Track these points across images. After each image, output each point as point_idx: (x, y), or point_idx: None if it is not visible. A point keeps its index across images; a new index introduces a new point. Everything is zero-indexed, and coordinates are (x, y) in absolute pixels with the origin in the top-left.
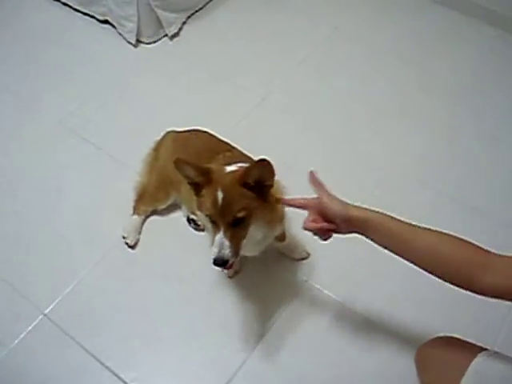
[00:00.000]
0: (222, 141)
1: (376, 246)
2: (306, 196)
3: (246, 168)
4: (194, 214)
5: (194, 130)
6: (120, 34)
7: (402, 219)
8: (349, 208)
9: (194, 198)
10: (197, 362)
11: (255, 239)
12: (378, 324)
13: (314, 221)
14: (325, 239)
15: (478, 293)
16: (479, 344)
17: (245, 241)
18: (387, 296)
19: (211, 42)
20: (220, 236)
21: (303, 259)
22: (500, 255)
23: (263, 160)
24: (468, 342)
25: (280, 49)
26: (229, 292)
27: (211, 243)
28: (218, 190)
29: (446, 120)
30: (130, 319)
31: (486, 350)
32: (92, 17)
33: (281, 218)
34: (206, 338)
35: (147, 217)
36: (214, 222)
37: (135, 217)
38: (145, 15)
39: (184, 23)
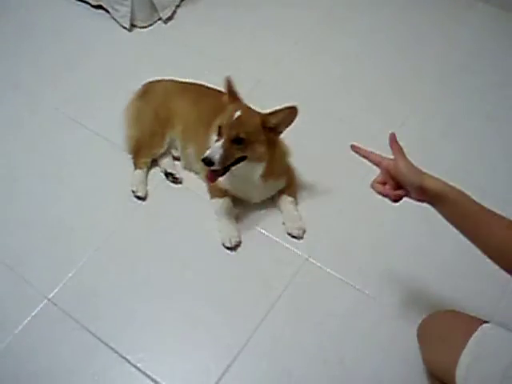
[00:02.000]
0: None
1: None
2: (381, 154)
3: (276, 110)
4: (185, 148)
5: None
6: (114, 18)
7: (479, 202)
8: (424, 178)
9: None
10: (201, 342)
11: (255, 179)
12: (379, 300)
13: (383, 182)
14: (394, 201)
15: None
16: (480, 317)
17: (234, 169)
18: (388, 272)
19: (206, 24)
20: (219, 143)
21: (294, 237)
22: None
23: (294, 108)
24: (469, 316)
25: (275, 31)
26: (230, 271)
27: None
28: (239, 110)
29: (440, 98)
30: (134, 301)
31: (486, 322)
32: (85, 2)
33: (282, 169)
34: (209, 318)
35: (149, 168)
36: (219, 133)
37: (138, 171)
38: None
39: (178, 6)
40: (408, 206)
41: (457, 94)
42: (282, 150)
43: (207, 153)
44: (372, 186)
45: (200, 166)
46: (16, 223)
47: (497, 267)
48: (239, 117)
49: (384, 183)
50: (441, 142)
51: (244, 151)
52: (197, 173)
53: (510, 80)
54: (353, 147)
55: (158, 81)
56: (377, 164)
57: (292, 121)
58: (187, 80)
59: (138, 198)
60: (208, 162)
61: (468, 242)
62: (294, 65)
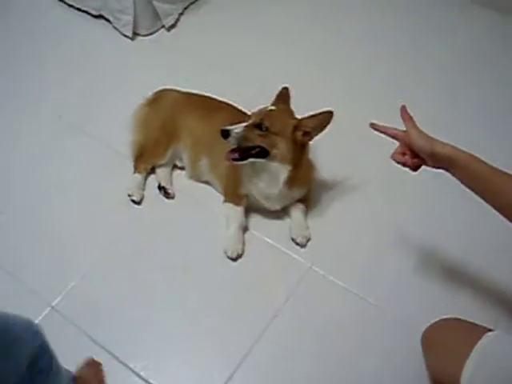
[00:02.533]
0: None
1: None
2: (397, 127)
3: (313, 114)
4: (196, 160)
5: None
6: (115, 28)
7: (490, 163)
8: (435, 144)
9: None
10: (204, 350)
11: (279, 184)
12: (383, 308)
13: (402, 153)
14: (414, 170)
15: None
16: (484, 325)
17: (259, 167)
18: (391, 280)
19: (209, 32)
20: (242, 124)
21: (297, 244)
22: None
23: (331, 112)
24: (473, 323)
25: (279, 38)
26: (232, 279)
27: None
28: (275, 106)
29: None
30: (137, 309)
31: (490, 330)
32: (85, 12)
33: (307, 180)
34: (212, 326)
35: (148, 174)
36: (249, 118)
37: (137, 175)
38: (141, 7)
39: (181, 14)
40: (412, 214)
41: (457, 97)
42: (309, 159)
43: (228, 127)
44: (392, 157)
45: (220, 169)
46: (19, 231)
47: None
48: (271, 109)
49: (403, 154)
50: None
51: (265, 141)
52: (208, 183)
53: (509, 83)
54: (371, 125)
55: (170, 90)
56: (394, 137)
57: (326, 126)
58: (196, 91)
59: (133, 201)
60: (225, 133)
61: (473, 253)
62: (297, 72)
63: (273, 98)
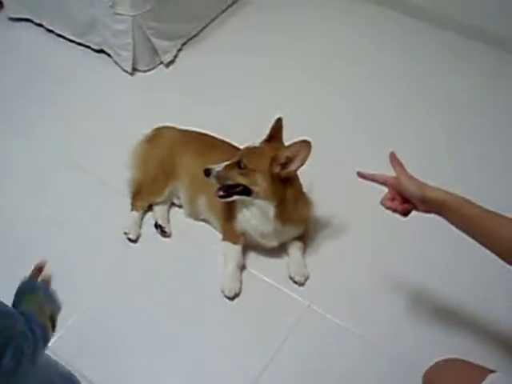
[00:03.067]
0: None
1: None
2: (386, 173)
3: (290, 144)
4: (193, 199)
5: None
6: (116, 62)
7: (481, 205)
8: (426, 189)
9: None
10: None
11: (269, 220)
12: (382, 348)
13: (392, 199)
14: (404, 215)
15: None
16: (485, 366)
17: (242, 201)
18: (391, 319)
19: (207, 68)
20: (224, 164)
21: (295, 283)
22: None
23: (307, 142)
24: (475, 365)
25: (276, 75)
26: (231, 318)
27: None
28: (259, 144)
29: (445, 137)
30: (134, 349)
31: (492, 371)
32: (87, 47)
33: (302, 216)
34: (211, 367)
35: (145, 212)
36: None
37: (134, 212)
38: (140, 44)
39: (179, 50)
40: (409, 253)
41: (462, 134)
42: (304, 195)
43: (210, 166)
44: (381, 203)
45: (217, 208)
46: (15, 272)
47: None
48: (253, 147)
49: (393, 199)
50: (446, 183)
51: (244, 179)
52: (206, 221)
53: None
54: (359, 174)
55: (168, 128)
56: (383, 183)
57: (306, 157)
58: (194, 128)
59: (130, 240)
60: (207, 172)
61: (471, 292)
62: (297, 108)
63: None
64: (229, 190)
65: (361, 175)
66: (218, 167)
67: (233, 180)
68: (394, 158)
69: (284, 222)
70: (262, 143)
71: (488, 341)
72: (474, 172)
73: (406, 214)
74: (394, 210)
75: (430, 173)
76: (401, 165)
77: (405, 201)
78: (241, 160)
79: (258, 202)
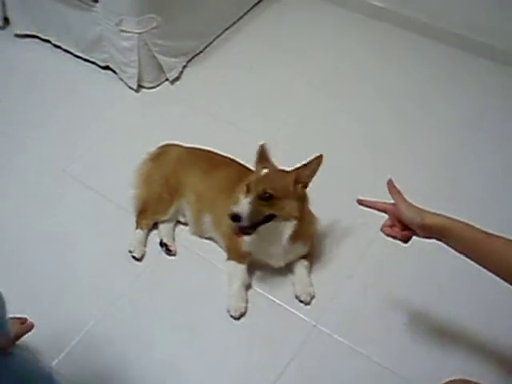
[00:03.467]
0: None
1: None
2: (385, 201)
3: (306, 162)
4: (199, 217)
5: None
6: (121, 79)
7: (481, 228)
8: (425, 215)
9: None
10: None
11: (283, 240)
12: (389, 368)
13: (391, 225)
14: (404, 242)
15: None
16: None
17: (263, 228)
18: (398, 339)
19: (212, 85)
20: (247, 200)
21: (301, 302)
22: None
23: (321, 156)
24: None
25: (280, 93)
26: (237, 338)
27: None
28: (266, 168)
29: (447, 155)
30: (140, 366)
31: None
32: (93, 63)
33: (310, 233)
34: None
35: (150, 229)
36: (247, 191)
37: (138, 230)
38: (146, 61)
39: (185, 67)
40: (418, 272)
41: (464, 151)
42: (310, 211)
43: (235, 208)
44: (382, 230)
45: (223, 226)
46: (21, 289)
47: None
48: (266, 174)
49: (392, 226)
50: (447, 199)
51: (273, 208)
52: (211, 239)
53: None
54: (358, 201)
55: (173, 145)
56: (383, 211)
57: (317, 171)
58: (199, 145)
59: (134, 258)
60: (235, 217)
61: (478, 310)
62: (301, 125)
63: (277, 151)
64: (253, 226)
65: (360, 203)
66: (244, 209)
67: (262, 215)
68: (391, 186)
69: (295, 240)
70: (266, 170)
71: (495, 361)
72: (479, 188)
73: (406, 240)
74: (394, 237)
75: (435, 187)
76: (399, 192)
77: (404, 227)
78: (265, 191)
79: (278, 224)
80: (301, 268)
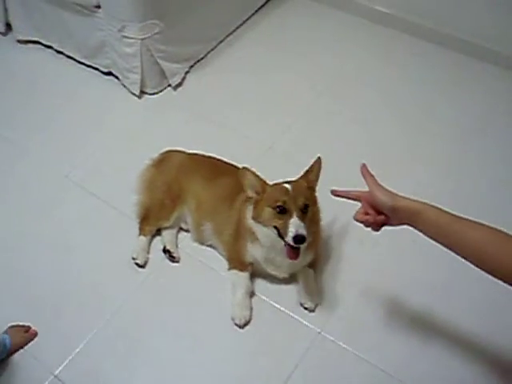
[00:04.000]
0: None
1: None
2: (359, 189)
3: (309, 167)
4: (199, 224)
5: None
6: (124, 85)
7: (451, 212)
8: (396, 199)
9: (248, 207)
10: None
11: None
12: (396, 376)
13: (365, 213)
14: (376, 230)
15: None
16: None
17: (270, 240)
18: (403, 346)
19: (215, 90)
20: (295, 219)
21: (306, 309)
22: None
23: (319, 158)
24: None
25: (283, 98)
26: (241, 345)
27: (263, 239)
28: (285, 184)
29: (451, 160)
30: (144, 374)
31: None
32: (95, 69)
33: (315, 243)
34: None
35: (153, 236)
36: (284, 211)
37: (141, 237)
38: (148, 66)
39: (187, 72)
40: (423, 278)
41: (469, 157)
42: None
43: (292, 233)
44: (354, 217)
45: (224, 235)
46: (23, 297)
47: None
48: (294, 187)
49: (366, 214)
50: (452, 205)
51: (309, 218)
52: (212, 247)
53: None
54: (332, 192)
55: (176, 152)
56: (357, 198)
57: (319, 173)
58: (201, 152)
59: (137, 265)
60: (301, 239)
61: (486, 319)
62: (304, 131)
63: (280, 157)
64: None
65: (335, 193)
66: (301, 229)
67: (308, 227)
68: (365, 171)
69: (304, 251)
70: (294, 180)
71: (498, 370)
72: (483, 193)
73: (378, 226)
74: (367, 225)
75: (439, 191)
76: (372, 176)
77: (378, 214)
78: (305, 203)
79: None
80: (305, 275)
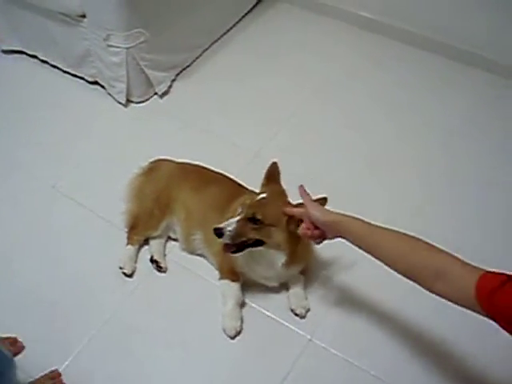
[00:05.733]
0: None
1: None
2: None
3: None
4: (189, 234)
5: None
6: (110, 94)
7: (371, 222)
8: (326, 213)
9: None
10: None
11: (276, 267)
12: (387, 382)
13: (307, 228)
14: (316, 243)
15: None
16: None
17: (255, 253)
18: (394, 352)
19: (201, 98)
20: (235, 219)
21: (297, 315)
22: (463, 263)
23: (326, 198)
24: None
25: (270, 104)
26: (232, 355)
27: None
28: (265, 193)
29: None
30: None
31: None
32: (81, 78)
33: (306, 256)
34: None
35: (141, 246)
36: (240, 212)
37: (129, 246)
38: (134, 75)
39: (173, 81)
40: (413, 287)
41: (456, 159)
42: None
43: (221, 225)
44: (298, 232)
45: (215, 245)
46: (10, 308)
47: None
48: (262, 198)
49: (308, 229)
50: (441, 207)
51: (260, 233)
52: (202, 256)
53: (507, 145)
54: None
55: (165, 161)
56: (301, 216)
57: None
58: (190, 161)
59: (125, 274)
60: (218, 233)
61: (475, 327)
62: (291, 137)
63: (267, 164)
64: (241, 244)
65: (300, 189)
66: (229, 226)
67: (247, 237)
68: (302, 190)
69: (289, 265)
70: (262, 187)
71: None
72: (474, 197)
73: (316, 239)
74: (309, 237)
75: (431, 196)
76: (308, 195)
77: (316, 228)
78: (254, 216)
79: (270, 251)
80: (296, 282)
